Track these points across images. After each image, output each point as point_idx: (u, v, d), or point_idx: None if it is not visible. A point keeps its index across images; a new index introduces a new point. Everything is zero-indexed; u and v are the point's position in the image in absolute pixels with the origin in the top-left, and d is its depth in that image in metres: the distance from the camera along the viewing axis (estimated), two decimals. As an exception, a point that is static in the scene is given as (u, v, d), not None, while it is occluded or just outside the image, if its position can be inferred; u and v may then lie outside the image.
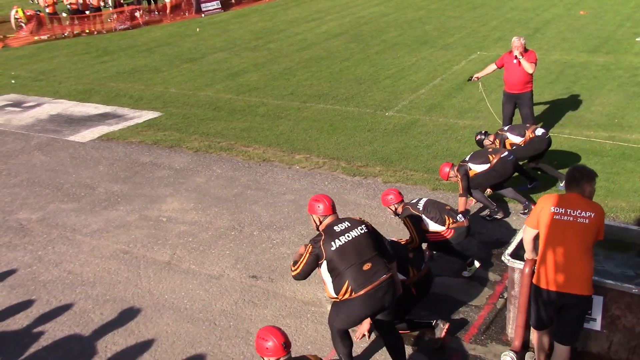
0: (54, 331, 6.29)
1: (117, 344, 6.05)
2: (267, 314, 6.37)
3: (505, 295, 6.20)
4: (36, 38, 22.14)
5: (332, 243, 4.92)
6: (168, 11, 25.04)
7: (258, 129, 11.63)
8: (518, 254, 5.57)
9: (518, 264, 5.42)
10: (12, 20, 23.26)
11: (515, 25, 19.81)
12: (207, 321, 6.33)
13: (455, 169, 7.88)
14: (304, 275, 5.06)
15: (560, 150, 9.83)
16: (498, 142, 8.60)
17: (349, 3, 26.40)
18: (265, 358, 4.15)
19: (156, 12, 25.41)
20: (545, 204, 4.91)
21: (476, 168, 7.85)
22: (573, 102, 12.17)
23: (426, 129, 11.21)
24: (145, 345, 6.03)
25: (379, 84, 14.23)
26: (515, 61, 9.65)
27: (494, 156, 7.86)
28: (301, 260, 5.01)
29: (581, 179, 4.89)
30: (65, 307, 6.66)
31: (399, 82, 14.28)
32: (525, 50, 9.67)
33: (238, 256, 7.50)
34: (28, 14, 23.14)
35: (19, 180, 10.05)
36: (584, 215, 4.75)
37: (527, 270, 5.25)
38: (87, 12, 23.10)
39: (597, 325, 5.26)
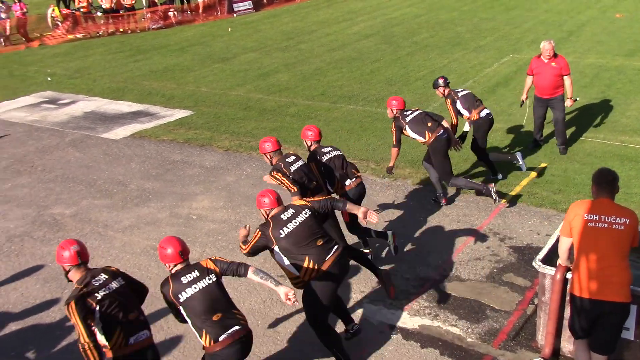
0: None
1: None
2: (295, 314, 6.39)
3: (536, 301, 6.13)
4: (71, 36, 22.51)
5: (281, 231, 5.33)
6: (200, 11, 25.25)
7: (288, 129, 11.67)
8: (549, 259, 5.49)
9: (549, 270, 5.35)
10: (49, 19, 23.68)
11: (549, 27, 19.55)
12: (235, 319, 6.36)
13: (395, 117, 8.17)
14: (253, 253, 5.49)
15: (594, 156, 9.68)
16: (449, 101, 8.87)
17: (380, 4, 26.34)
18: (166, 264, 4.80)
19: (189, 12, 25.64)
20: (578, 211, 4.82)
21: (410, 134, 8.14)
22: (608, 107, 11.96)
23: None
24: (174, 342, 6.10)
25: (409, 86, 14.17)
26: (549, 62, 9.50)
27: (431, 135, 8.05)
28: (251, 241, 5.44)
29: (613, 180, 4.83)
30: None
31: (430, 84, 14.17)
32: (555, 55, 9.55)
33: (266, 255, 7.50)
34: (64, 12, 23.55)
35: (53, 176, 10.23)
36: (619, 221, 4.66)
37: (558, 276, 5.18)
38: (121, 12, 23.41)
39: (630, 335, 5.17)
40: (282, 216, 5.43)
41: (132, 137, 11.84)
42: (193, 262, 4.92)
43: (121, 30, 23.22)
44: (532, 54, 14.76)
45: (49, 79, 16.75)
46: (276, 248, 5.34)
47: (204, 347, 4.68)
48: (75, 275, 4.65)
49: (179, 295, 4.64)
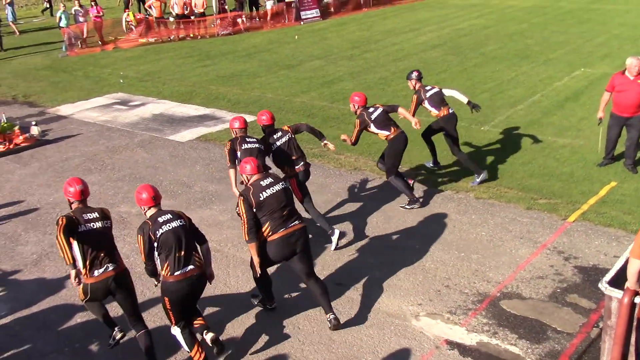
0: (145, 321, 6.53)
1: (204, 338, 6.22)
2: (350, 322, 6.37)
3: (601, 324, 5.91)
4: (144, 40, 23.23)
5: (260, 194, 6.04)
6: (269, 18, 25.63)
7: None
8: (617, 282, 5.29)
9: (617, 293, 5.15)
10: (124, 23, 24.52)
11: (623, 42, 18.90)
12: (291, 325, 6.41)
13: (358, 112, 8.58)
14: (253, 223, 6.01)
15: (668, 176, 9.29)
16: (415, 97, 9.32)
17: (448, 14, 26.09)
18: (141, 207, 5.73)
19: (257, 19, 26.07)
20: (650, 232, 4.63)
21: (374, 129, 8.56)
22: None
23: (523, 146, 10.89)
24: (231, 342, 6.17)
25: (475, 98, 13.93)
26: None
27: (394, 130, 8.55)
28: (242, 215, 6.04)
29: None
30: (157, 300, 6.90)
31: (496, 97, 13.95)
32: None
33: (325, 262, 7.55)
34: (138, 17, 24.34)
35: (122, 175, 10.56)
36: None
37: (626, 300, 4.98)
38: (192, 17, 24.00)
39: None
40: (261, 182, 6.15)
41: (198, 140, 12.10)
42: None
43: (191, 35, 23.81)
44: (605, 69, 14.36)
45: (121, 81, 17.33)
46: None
47: (163, 277, 5.60)
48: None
49: (157, 232, 5.52)
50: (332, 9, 27.98)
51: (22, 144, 12.16)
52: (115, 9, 29.03)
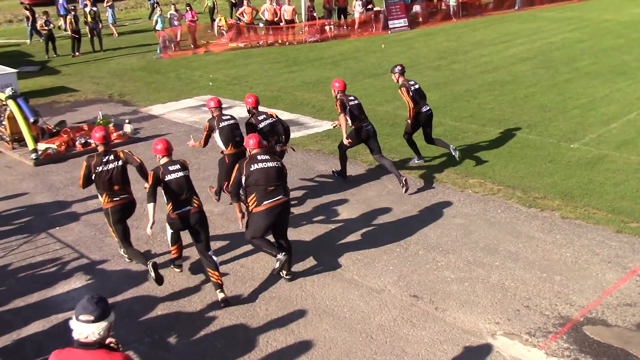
0: (222, 318, 6.70)
1: (278, 340, 6.30)
2: (425, 336, 6.28)
3: (693, 359, 5.57)
4: (234, 45, 23.84)
5: (252, 166, 7.08)
6: (356, 26, 25.74)
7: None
8: None
9: None
10: (215, 28, 25.27)
11: None
12: (364, 333, 6.38)
13: (337, 97, 9.72)
14: (236, 184, 7.17)
15: None
16: (404, 89, 10.46)
17: (540, 27, 25.35)
18: (156, 155, 7.18)
19: (345, 27, 26.23)
20: None
21: (349, 116, 9.66)
22: None
23: (615, 166, 10.42)
24: (303, 347, 6.21)
25: (565, 114, 13.49)
26: None
27: (359, 123, 9.68)
28: (232, 175, 7.21)
29: None
30: (235, 298, 7.07)
31: (588, 113, 13.42)
32: None
33: (401, 273, 7.48)
34: (229, 22, 25.02)
35: (206, 175, 10.86)
36: None
37: None
38: (282, 24, 24.43)
39: None
40: (258, 157, 7.18)
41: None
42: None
43: (280, 41, 24.24)
44: None
45: (210, 84, 17.85)
46: (243, 179, 7.06)
47: (168, 212, 7.07)
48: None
49: (165, 177, 6.94)
50: (420, 19, 27.78)
51: (115, 140, 12.73)
52: (204, 15, 29.92)
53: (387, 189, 9.94)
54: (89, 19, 23.49)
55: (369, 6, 26.13)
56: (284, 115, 14.25)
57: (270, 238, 7.35)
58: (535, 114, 13.51)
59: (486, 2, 30.94)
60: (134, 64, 21.42)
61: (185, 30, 23.97)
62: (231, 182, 7.22)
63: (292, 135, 12.70)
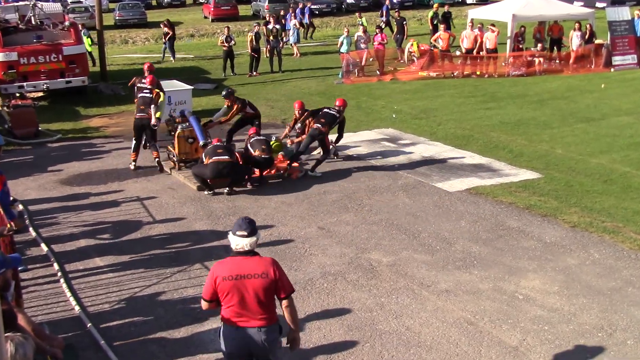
0: None
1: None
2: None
3: None
4: (424, 74, 24.08)
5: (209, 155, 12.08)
6: (572, 61, 24.84)
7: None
8: None
9: None
10: (406, 54, 25.72)
11: None
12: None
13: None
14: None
15: None
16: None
17: None
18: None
19: (557, 61, 25.44)
20: None
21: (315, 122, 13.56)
22: None
23: None
24: None
25: None
26: None
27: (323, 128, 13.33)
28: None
29: None
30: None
31: None
32: None
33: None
34: (422, 48, 25.33)
35: (378, 219, 10.99)
36: None
37: None
38: (482, 53, 24.21)
39: None
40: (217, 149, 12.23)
41: (468, 192, 12.11)
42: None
43: (478, 73, 24.08)
44: None
45: (394, 116, 18.14)
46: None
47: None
48: None
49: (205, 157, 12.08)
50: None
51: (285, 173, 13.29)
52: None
53: (593, 258, 9.39)
54: (271, 37, 25.05)
55: (590, 38, 25.12)
56: (476, 159, 14.08)
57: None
58: None
59: None
60: (312, 87, 22.43)
61: (371, 55, 24.66)
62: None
63: (482, 182, 12.55)
